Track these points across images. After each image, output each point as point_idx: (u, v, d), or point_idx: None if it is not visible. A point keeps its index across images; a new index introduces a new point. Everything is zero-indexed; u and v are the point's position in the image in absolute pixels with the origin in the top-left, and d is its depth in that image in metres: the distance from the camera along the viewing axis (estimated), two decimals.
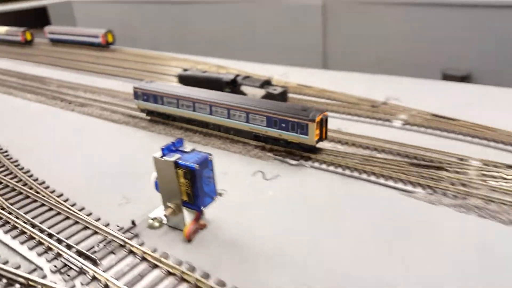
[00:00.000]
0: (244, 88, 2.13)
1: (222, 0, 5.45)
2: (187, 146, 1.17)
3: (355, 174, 1.41)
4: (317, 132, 1.25)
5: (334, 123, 1.75)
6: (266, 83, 2.09)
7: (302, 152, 1.44)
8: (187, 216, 1.18)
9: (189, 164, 1.07)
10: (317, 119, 1.21)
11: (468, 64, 4.19)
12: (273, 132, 1.30)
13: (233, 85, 2.16)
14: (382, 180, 1.37)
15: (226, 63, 3.32)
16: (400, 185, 1.35)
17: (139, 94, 1.56)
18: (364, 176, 1.40)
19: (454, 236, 1.14)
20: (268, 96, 2.01)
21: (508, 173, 1.29)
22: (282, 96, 2.03)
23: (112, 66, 3.46)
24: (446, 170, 1.34)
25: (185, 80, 2.40)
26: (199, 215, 1.18)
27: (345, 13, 4.58)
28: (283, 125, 1.23)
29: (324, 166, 1.48)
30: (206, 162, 1.11)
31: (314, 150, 1.41)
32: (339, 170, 1.45)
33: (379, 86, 2.50)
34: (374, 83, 2.64)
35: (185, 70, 2.46)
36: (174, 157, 1.09)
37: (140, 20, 6.34)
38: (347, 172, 1.43)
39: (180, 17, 5.89)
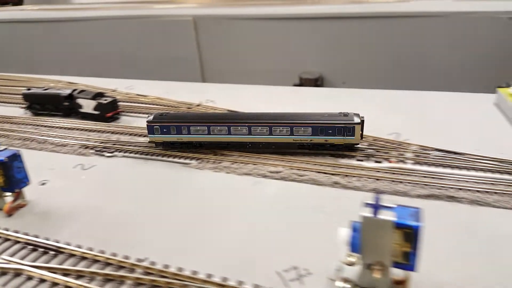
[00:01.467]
0: (79, 101, 2.54)
1: (91, 18, 5.60)
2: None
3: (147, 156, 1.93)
4: (360, 132, 1.39)
5: None
6: (98, 95, 2.54)
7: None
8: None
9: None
10: (360, 121, 1.39)
11: (319, 68, 5.05)
12: (319, 139, 1.41)
13: (70, 99, 2.57)
14: (168, 158, 1.90)
15: (82, 80, 3.66)
16: (182, 160, 1.91)
17: (155, 128, 1.52)
18: (160, 157, 1.93)
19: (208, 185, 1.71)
20: (99, 105, 2.46)
21: None
22: (112, 105, 2.50)
23: None
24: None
25: (29, 97, 2.71)
26: None
27: (214, 27, 5.12)
28: (330, 131, 1.37)
29: (132, 154, 2.00)
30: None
31: (355, 148, 1.53)
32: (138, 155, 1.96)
33: (208, 93, 3.04)
34: (203, 90, 3.24)
35: (29, 89, 2.77)
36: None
37: None
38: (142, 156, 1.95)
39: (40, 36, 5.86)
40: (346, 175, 1.41)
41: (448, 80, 4.39)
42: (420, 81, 4.55)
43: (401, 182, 1.29)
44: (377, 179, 1.36)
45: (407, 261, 0.87)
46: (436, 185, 1.24)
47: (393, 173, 1.36)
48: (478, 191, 1.16)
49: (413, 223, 0.86)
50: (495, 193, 1.15)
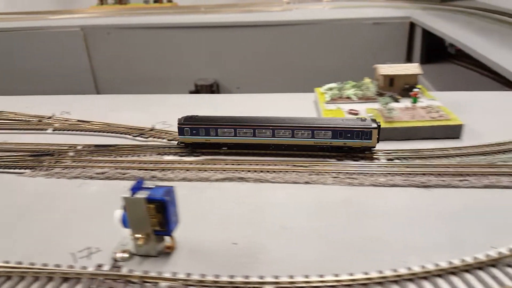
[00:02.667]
0: None
1: None
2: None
3: None
4: (377, 136, 1.42)
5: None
6: None
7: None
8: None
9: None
10: (377, 126, 1.41)
11: (214, 75, 5.14)
12: (338, 142, 1.46)
13: None
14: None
15: None
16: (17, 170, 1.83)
17: (185, 130, 1.57)
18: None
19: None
20: None
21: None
22: None
23: None
24: (52, 155, 1.89)
25: None
26: None
27: (104, 37, 5.02)
28: (349, 135, 1.43)
29: None
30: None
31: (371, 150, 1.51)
32: None
33: (61, 104, 2.79)
34: (58, 102, 2.99)
35: None
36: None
37: None
38: None
39: None
40: (163, 169, 1.47)
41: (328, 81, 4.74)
42: (306, 82, 4.87)
43: (205, 170, 1.38)
44: (187, 170, 1.44)
45: (164, 228, 1.05)
46: (231, 170, 1.35)
47: (202, 164, 1.46)
48: (261, 171, 1.29)
49: (161, 197, 1.03)
50: (274, 172, 1.29)
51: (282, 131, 1.43)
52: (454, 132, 1.48)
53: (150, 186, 1.06)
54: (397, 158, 1.34)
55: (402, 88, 1.73)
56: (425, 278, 0.83)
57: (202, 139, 1.53)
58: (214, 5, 6.22)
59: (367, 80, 1.78)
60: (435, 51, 4.33)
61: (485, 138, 1.45)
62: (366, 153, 1.42)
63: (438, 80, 3.84)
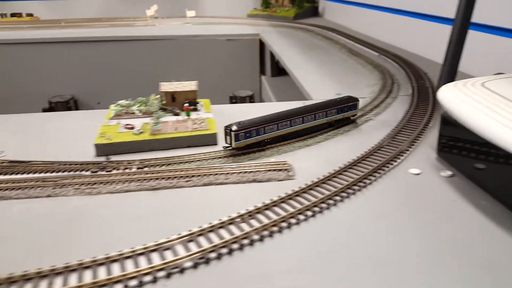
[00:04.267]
0: None
1: None
2: None
3: None
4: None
5: None
6: None
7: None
8: None
9: None
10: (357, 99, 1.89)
11: (72, 91, 4.95)
12: (340, 115, 1.89)
13: None
14: None
15: None
16: None
17: (240, 135, 1.64)
18: None
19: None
20: None
21: None
22: None
23: None
24: None
25: None
26: None
27: None
28: (346, 109, 1.89)
29: None
30: None
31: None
32: None
33: None
34: None
35: None
36: None
37: None
38: None
39: None
40: None
41: None
42: None
43: None
44: None
45: None
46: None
47: None
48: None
49: None
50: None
51: (308, 116, 1.80)
52: (210, 140, 1.71)
53: None
54: (146, 166, 1.51)
55: (183, 103, 1.94)
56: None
57: (252, 140, 1.68)
58: (75, 19, 6.04)
59: (152, 96, 1.96)
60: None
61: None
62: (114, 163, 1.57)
63: (278, 92, 4.28)
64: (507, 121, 1.07)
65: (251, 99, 4.59)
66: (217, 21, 5.81)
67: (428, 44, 3.29)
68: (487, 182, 1.27)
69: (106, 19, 6.23)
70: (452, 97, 1.30)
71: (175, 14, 6.37)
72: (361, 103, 2.10)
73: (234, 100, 4.57)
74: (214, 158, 1.58)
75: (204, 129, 1.72)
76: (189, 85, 1.96)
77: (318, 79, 2.66)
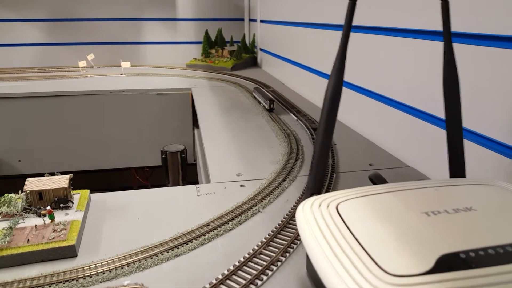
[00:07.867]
0: None
1: None
2: None
3: None
4: None
5: None
6: None
7: None
8: None
9: None
10: None
11: None
12: None
13: None
14: None
15: None
16: None
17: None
18: None
19: None
20: None
21: None
22: None
23: None
24: None
25: None
26: None
27: None
28: None
29: None
30: None
31: None
32: None
33: None
34: None
35: None
36: None
37: None
38: None
39: None
40: None
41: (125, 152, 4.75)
42: (92, 155, 4.78)
43: None
44: None
45: None
46: None
47: None
48: None
49: None
50: None
51: None
52: (68, 252, 1.53)
53: None
54: None
55: (52, 201, 1.76)
56: None
57: None
58: (2, 69, 5.76)
59: (14, 196, 1.77)
60: None
61: (101, 253, 1.54)
62: None
63: None
64: (343, 272, 0.97)
65: (181, 154, 4.46)
66: (152, 72, 5.73)
67: (344, 110, 3.33)
68: None
69: (39, 69, 5.99)
70: (304, 226, 1.20)
71: (112, 63, 6.24)
72: (256, 187, 2.02)
73: (163, 155, 4.42)
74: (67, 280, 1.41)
75: (60, 240, 1.55)
76: (59, 181, 1.79)
77: (224, 155, 2.57)
